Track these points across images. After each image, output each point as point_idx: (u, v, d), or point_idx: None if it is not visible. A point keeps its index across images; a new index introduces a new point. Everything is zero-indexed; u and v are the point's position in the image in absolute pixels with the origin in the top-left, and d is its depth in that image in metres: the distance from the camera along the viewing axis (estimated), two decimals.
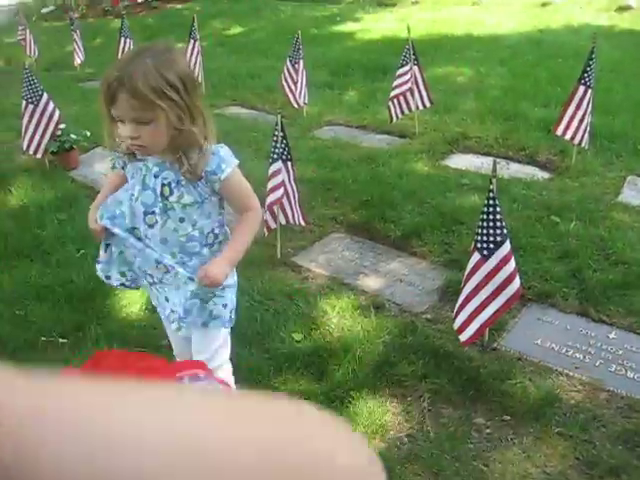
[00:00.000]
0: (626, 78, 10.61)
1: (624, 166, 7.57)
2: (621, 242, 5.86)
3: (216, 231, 3.22)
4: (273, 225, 5.72)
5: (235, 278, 3.47)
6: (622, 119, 8.87)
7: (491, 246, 4.25)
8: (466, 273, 4.41)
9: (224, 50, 14.16)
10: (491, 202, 4.22)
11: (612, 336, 4.91)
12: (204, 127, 2.94)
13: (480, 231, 4.29)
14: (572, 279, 5.43)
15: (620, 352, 4.75)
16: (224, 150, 3.10)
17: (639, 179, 7.29)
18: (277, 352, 4.60)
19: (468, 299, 4.38)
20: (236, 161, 3.14)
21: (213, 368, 3.54)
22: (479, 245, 4.30)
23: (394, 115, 8.25)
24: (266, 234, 5.92)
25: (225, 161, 3.05)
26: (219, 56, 13.47)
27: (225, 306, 3.40)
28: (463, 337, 4.41)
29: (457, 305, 4.48)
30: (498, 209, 4.23)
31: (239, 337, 4.73)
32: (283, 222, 5.81)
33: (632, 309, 5.11)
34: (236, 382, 4.33)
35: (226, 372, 3.77)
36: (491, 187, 4.21)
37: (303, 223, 5.92)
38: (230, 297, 3.42)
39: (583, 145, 7.21)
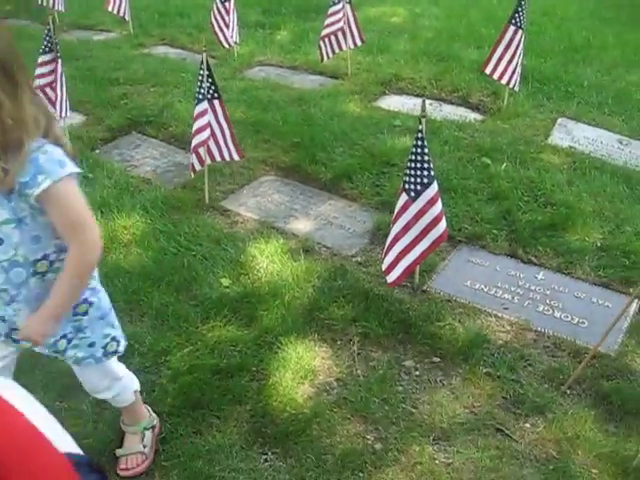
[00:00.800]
0: (559, 21, 10.62)
1: (554, 108, 7.59)
2: (550, 183, 5.89)
3: (51, 257, 2.54)
4: (198, 167, 5.54)
5: (103, 307, 2.93)
6: (553, 62, 8.89)
7: (419, 187, 4.19)
8: (394, 214, 4.35)
9: None
10: (419, 143, 4.14)
11: (540, 277, 4.94)
12: (27, 121, 2.23)
13: (408, 172, 4.21)
14: (502, 221, 5.44)
15: (548, 292, 4.80)
16: (47, 156, 2.30)
17: (569, 121, 7.32)
18: (205, 299, 4.48)
19: (396, 239, 4.33)
20: (63, 172, 2.33)
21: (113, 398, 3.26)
22: (407, 186, 4.23)
23: (325, 54, 8.04)
24: (192, 176, 5.74)
25: (44, 171, 2.28)
26: None
27: (92, 345, 2.86)
28: (390, 278, 4.38)
29: (385, 246, 4.43)
30: (426, 150, 4.15)
31: (166, 284, 4.61)
32: (218, 159, 5.61)
33: (559, 250, 5.15)
34: (164, 331, 4.23)
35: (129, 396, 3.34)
36: (420, 127, 4.12)
37: (237, 157, 5.72)
38: (99, 333, 2.87)
39: (513, 87, 7.16)
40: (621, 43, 9.72)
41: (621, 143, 6.98)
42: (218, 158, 5.60)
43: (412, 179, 4.19)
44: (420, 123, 4.10)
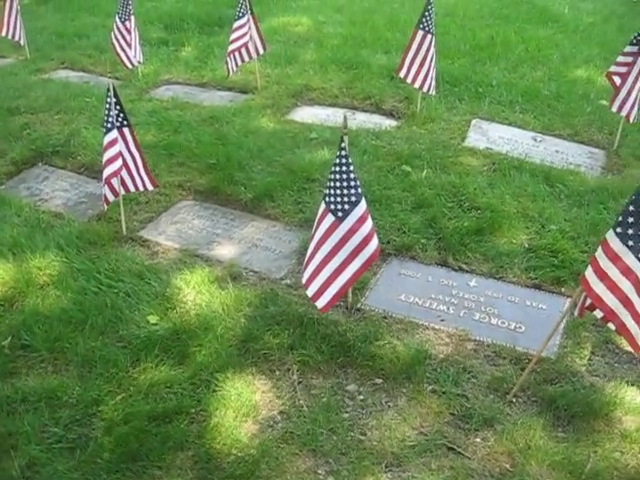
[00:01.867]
0: (462, 21, 10.73)
1: (467, 109, 7.63)
2: (472, 187, 5.89)
3: None
4: (112, 198, 5.27)
5: None
6: (461, 62, 8.96)
7: (346, 207, 4.05)
8: (318, 237, 4.15)
9: (47, 8, 13.04)
10: (343, 160, 4.01)
11: (472, 284, 4.91)
12: None
13: (332, 192, 4.05)
14: (429, 229, 5.40)
15: (482, 299, 4.77)
16: None
17: (483, 122, 7.37)
18: (133, 339, 4.25)
19: (323, 264, 4.14)
20: None
21: None
22: (332, 207, 4.06)
23: (230, 69, 7.84)
24: (105, 208, 5.47)
25: None
26: (42, 15, 12.39)
27: None
28: (320, 304, 4.17)
29: (309, 271, 4.22)
30: (351, 167, 4.02)
31: (90, 327, 4.36)
32: (132, 189, 5.36)
33: (488, 255, 5.14)
34: (93, 378, 3.98)
35: None
36: (343, 145, 3.99)
37: (151, 187, 5.48)
38: None
39: (428, 91, 7.15)
40: (524, 40, 9.89)
41: (535, 140, 7.07)
42: (132, 189, 5.37)
43: (338, 198, 4.05)
44: (342, 140, 3.98)
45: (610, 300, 3.50)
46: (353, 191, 4.03)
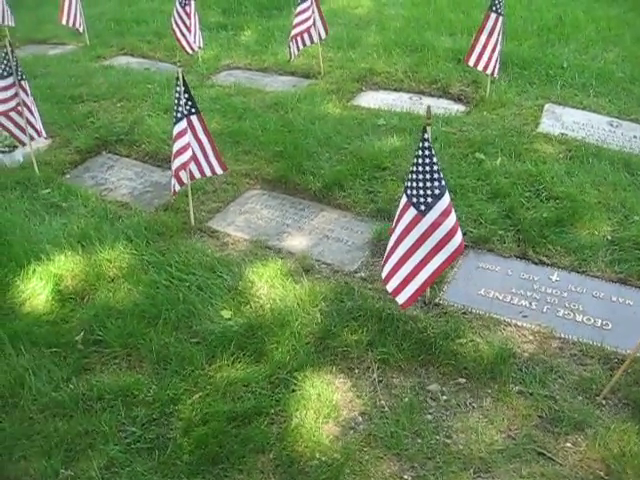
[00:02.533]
0: (528, 1, 10.39)
1: (539, 93, 7.36)
2: (549, 176, 5.65)
3: None
4: (178, 188, 5.18)
5: None
6: (529, 44, 8.67)
7: (429, 200, 3.88)
8: (399, 231, 4.00)
9: None
10: (426, 152, 3.83)
11: (555, 278, 4.71)
12: None
13: (415, 184, 3.88)
14: (506, 220, 5.20)
15: (565, 294, 4.56)
16: None
17: (556, 106, 7.10)
18: (207, 335, 4.15)
19: (404, 259, 4.00)
20: None
21: None
22: (414, 200, 3.90)
23: (293, 53, 7.70)
24: (173, 200, 5.40)
25: None
26: (99, 1, 12.44)
27: None
28: (401, 299, 4.04)
29: (389, 266, 4.08)
30: (435, 159, 3.85)
31: (163, 323, 4.29)
32: (198, 176, 5.26)
33: (570, 247, 4.92)
34: (168, 376, 3.91)
35: None
36: (426, 136, 3.82)
37: (221, 171, 5.35)
38: None
39: (494, 75, 6.91)
40: (594, 19, 9.55)
41: (612, 125, 6.78)
42: (198, 175, 5.26)
43: (420, 191, 3.88)
44: (425, 131, 3.81)
45: None
46: (437, 184, 3.86)
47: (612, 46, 8.66)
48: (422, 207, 3.89)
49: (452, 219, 3.91)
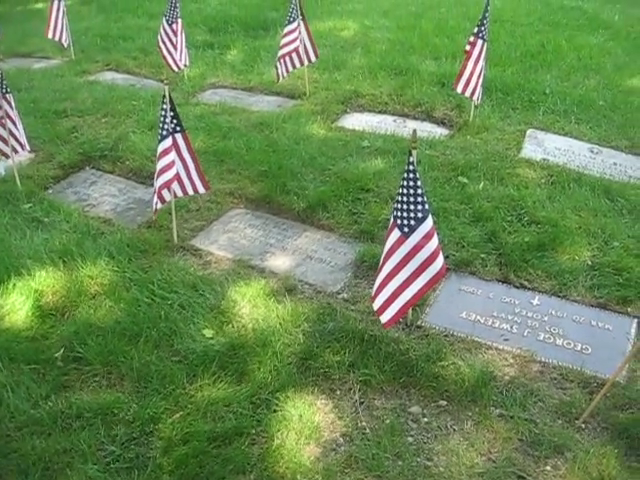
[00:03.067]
0: (511, 28, 10.53)
1: (522, 119, 7.45)
2: (531, 200, 5.72)
3: None
4: (159, 206, 5.15)
5: None
6: (512, 70, 8.77)
7: (412, 222, 3.92)
8: (385, 251, 4.07)
9: (90, 9, 13.13)
10: (411, 175, 3.87)
11: (535, 302, 4.74)
12: None
13: (400, 207, 3.94)
14: (488, 244, 5.24)
15: (546, 318, 4.60)
16: None
17: (539, 132, 7.18)
18: (189, 353, 4.14)
19: (390, 277, 4.04)
20: None
21: None
22: (399, 222, 3.96)
23: (281, 74, 7.75)
24: (155, 218, 5.38)
25: None
26: (85, 16, 12.47)
27: None
28: (384, 318, 4.08)
29: (376, 284, 4.14)
30: (419, 183, 3.88)
31: (145, 341, 4.26)
32: (180, 194, 5.24)
33: (551, 271, 4.97)
34: (149, 395, 3.88)
35: None
36: (411, 159, 3.86)
37: (204, 190, 5.35)
38: None
39: (476, 99, 6.99)
40: (575, 47, 9.68)
41: (592, 152, 6.87)
42: (180, 194, 5.26)
43: (404, 214, 3.93)
44: (410, 155, 3.84)
45: None
46: (420, 207, 3.90)
47: (593, 74, 8.79)
48: (405, 229, 3.93)
49: (434, 242, 3.95)
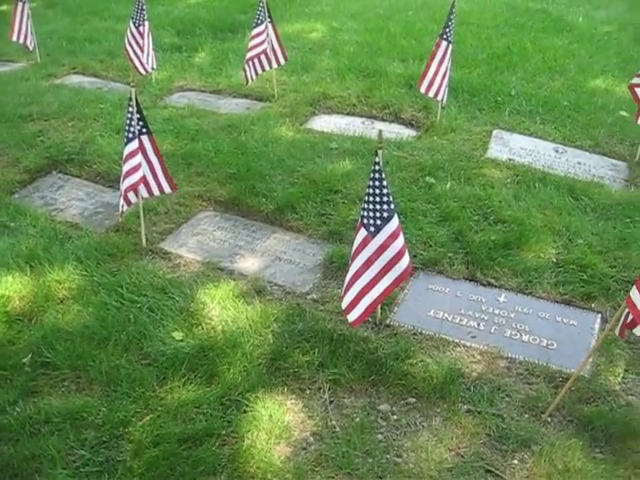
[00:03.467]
0: (477, 30, 10.64)
1: (488, 120, 7.54)
2: (497, 200, 5.79)
3: None
4: (125, 208, 5.13)
5: None
6: (479, 72, 8.87)
7: (378, 222, 3.98)
8: (353, 250, 4.12)
9: (56, 11, 12.98)
10: (377, 175, 3.92)
11: (502, 299, 4.81)
12: None
13: (366, 206, 3.99)
14: (455, 243, 5.30)
15: (512, 315, 4.67)
16: None
17: (504, 132, 7.27)
18: (158, 356, 4.14)
19: (356, 276, 4.09)
20: None
21: None
22: (365, 221, 4.01)
23: (249, 77, 7.76)
24: (121, 220, 5.35)
25: None
26: (51, 19, 12.32)
27: None
28: (351, 317, 4.13)
29: (345, 283, 4.18)
30: (385, 183, 3.93)
31: (114, 344, 4.25)
32: (146, 195, 5.22)
33: (517, 269, 5.04)
34: (118, 398, 3.87)
35: None
36: (377, 159, 3.90)
37: (170, 190, 5.32)
38: None
39: (442, 100, 7.07)
40: (540, 49, 9.81)
41: (557, 151, 6.97)
42: (146, 195, 5.23)
43: (371, 213, 3.98)
44: (376, 155, 3.89)
45: None
46: (386, 207, 3.95)
47: (558, 75, 8.91)
48: (372, 229, 3.98)
49: (400, 242, 4.00)
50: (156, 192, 5.26)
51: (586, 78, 8.87)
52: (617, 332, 3.79)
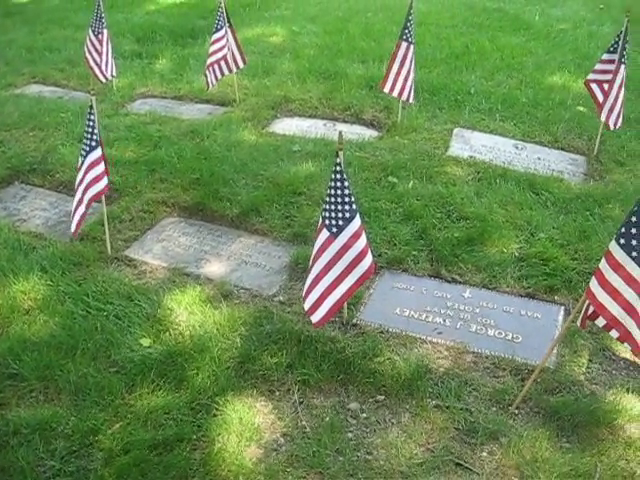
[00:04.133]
0: (436, 30, 10.76)
1: (448, 118, 7.63)
2: (459, 197, 5.87)
3: None
4: (73, 228, 5.03)
5: None
6: (438, 71, 8.97)
7: (340, 222, 4.01)
8: (314, 251, 4.14)
9: (14, 21, 12.81)
10: (338, 176, 3.96)
11: (467, 295, 4.88)
12: None
13: (328, 207, 4.03)
14: (419, 241, 5.36)
15: (477, 310, 4.74)
16: None
17: (464, 130, 7.37)
18: (127, 363, 4.13)
19: (319, 278, 4.10)
20: None
21: None
22: (327, 222, 4.04)
23: (210, 82, 7.76)
24: (78, 234, 5.22)
25: None
26: (9, 28, 12.17)
27: None
28: (315, 318, 4.14)
29: (306, 286, 4.20)
30: (346, 183, 3.97)
31: (81, 353, 4.23)
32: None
33: (480, 265, 5.12)
34: (88, 407, 3.86)
35: None
36: (338, 160, 3.94)
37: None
38: None
39: (409, 101, 7.14)
40: (498, 48, 9.95)
41: (517, 148, 7.09)
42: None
43: (332, 214, 4.01)
44: (337, 156, 3.92)
45: (614, 308, 3.49)
46: (347, 207, 3.98)
47: (516, 73, 9.04)
48: (334, 229, 4.01)
49: (362, 241, 4.04)
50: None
51: (544, 75, 9.02)
52: (578, 323, 3.88)
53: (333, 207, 4.02)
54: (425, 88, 8.24)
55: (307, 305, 4.17)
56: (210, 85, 7.80)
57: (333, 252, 4.06)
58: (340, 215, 4.01)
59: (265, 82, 8.78)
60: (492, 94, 8.21)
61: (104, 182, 4.99)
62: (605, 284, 3.50)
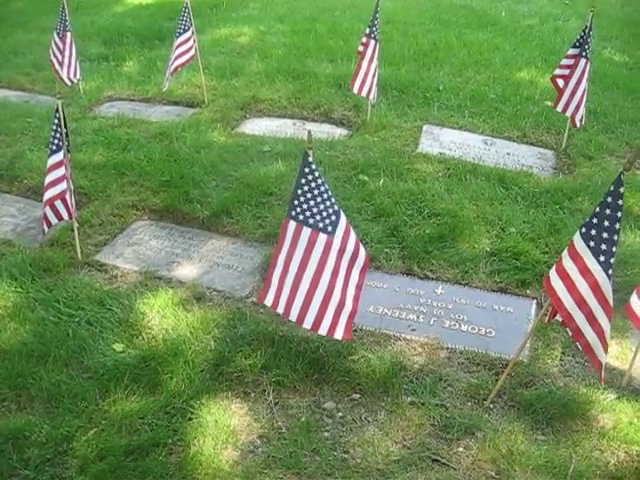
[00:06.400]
0: (403, 27, 10.80)
1: (417, 115, 7.66)
2: (430, 194, 5.89)
3: None
4: (55, 221, 5.03)
5: None
6: (406, 68, 9.00)
7: (333, 218, 3.97)
8: (317, 259, 3.94)
9: None
10: (312, 176, 3.92)
11: (440, 291, 4.91)
12: None
13: (315, 210, 3.95)
14: (391, 238, 5.38)
15: (450, 306, 4.77)
16: None
17: (434, 127, 7.41)
18: (100, 369, 4.09)
19: (331, 289, 3.95)
20: None
21: None
22: (321, 225, 3.94)
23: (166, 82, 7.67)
24: (45, 232, 5.18)
25: None
26: None
27: None
28: (339, 334, 3.97)
29: (317, 303, 3.95)
30: (322, 180, 3.94)
31: (53, 360, 4.18)
32: (65, 217, 5.07)
33: (452, 261, 5.15)
34: (61, 414, 3.81)
35: None
36: (309, 160, 3.92)
37: (67, 218, 5.13)
38: None
39: (372, 99, 7.14)
40: (465, 44, 10.02)
41: (486, 143, 7.14)
42: (66, 217, 5.07)
43: (322, 214, 3.95)
44: (307, 155, 3.91)
45: (568, 302, 3.51)
46: (329, 203, 3.96)
47: (483, 69, 9.11)
48: (329, 228, 3.97)
49: (353, 234, 4.07)
50: (65, 217, 5.08)
51: (511, 71, 9.10)
52: (546, 320, 3.89)
53: (322, 207, 3.94)
54: (394, 86, 8.26)
55: (323, 329, 3.98)
56: (166, 85, 7.72)
57: (335, 252, 3.98)
58: (329, 212, 3.97)
59: (234, 83, 8.74)
60: (461, 90, 8.27)
61: (61, 187, 4.90)
62: (563, 275, 3.52)
